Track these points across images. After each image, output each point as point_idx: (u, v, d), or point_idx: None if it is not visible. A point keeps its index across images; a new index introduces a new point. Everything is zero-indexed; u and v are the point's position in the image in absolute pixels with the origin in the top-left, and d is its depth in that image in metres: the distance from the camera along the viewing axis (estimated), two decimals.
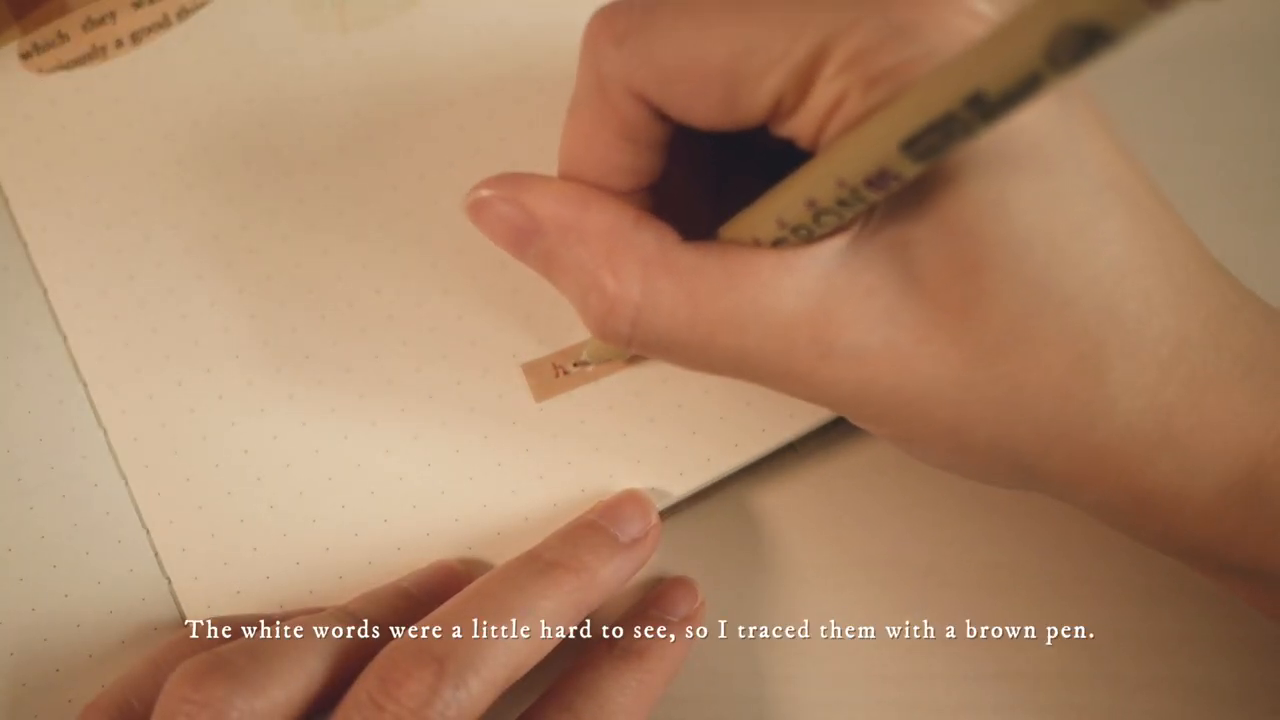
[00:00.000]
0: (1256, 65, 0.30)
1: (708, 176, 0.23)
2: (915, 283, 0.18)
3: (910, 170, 0.16)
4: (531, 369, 0.27)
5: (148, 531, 0.27)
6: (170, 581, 0.27)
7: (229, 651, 0.21)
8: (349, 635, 0.23)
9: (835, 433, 0.27)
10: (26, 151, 0.29)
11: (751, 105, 0.18)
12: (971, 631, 0.26)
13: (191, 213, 0.29)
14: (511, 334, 0.28)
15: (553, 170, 0.29)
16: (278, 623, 0.23)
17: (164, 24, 0.30)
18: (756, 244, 0.19)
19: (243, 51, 0.30)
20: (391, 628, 0.23)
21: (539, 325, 0.28)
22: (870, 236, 0.18)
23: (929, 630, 0.26)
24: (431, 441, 0.27)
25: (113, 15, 0.30)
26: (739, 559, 0.27)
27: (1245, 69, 0.30)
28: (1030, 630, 0.26)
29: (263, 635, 0.22)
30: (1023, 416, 0.19)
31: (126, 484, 0.27)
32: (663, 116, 0.19)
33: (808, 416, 0.27)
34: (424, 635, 0.21)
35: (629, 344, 0.20)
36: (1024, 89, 0.14)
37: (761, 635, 0.27)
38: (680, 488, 0.26)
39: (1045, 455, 0.19)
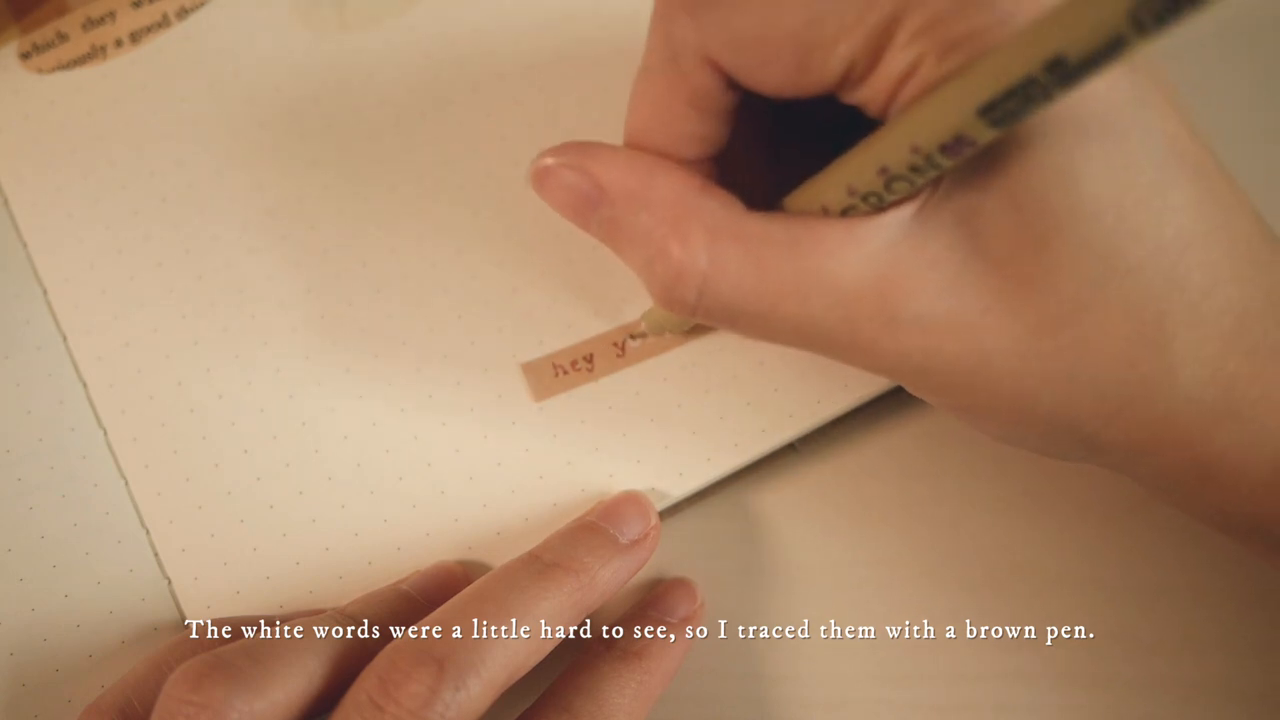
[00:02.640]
0: (1256, 64, 0.30)
1: (768, 150, 0.23)
2: (981, 252, 0.18)
3: (986, 136, 0.16)
4: (531, 369, 0.27)
5: (147, 531, 0.27)
6: (170, 582, 0.27)
7: (228, 653, 0.21)
8: (348, 636, 0.23)
9: (835, 433, 0.27)
10: (26, 151, 0.29)
11: (823, 72, 0.18)
12: (971, 631, 0.26)
13: (191, 213, 0.29)
14: (511, 334, 0.28)
15: None
16: (277, 624, 0.23)
17: (163, 24, 0.30)
18: (824, 212, 0.19)
19: (242, 51, 0.30)
20: (391, 629, 0.23)
21: (539, 325, 0.28)
22: (936, 207, 0.18)
23: (929, 630, 0.26)
24: (431, 441, 0.27)
25: (112, 15, 0.30)
26: (739, 559, 0.27)
27: (1244, 68, 0.30)
28: (1030, 630, 0.26)
29: (262, 636, 0.22)
30: (1086, 386, 0.19)
31: (126, 484, 0.27)
32: (732, 85, 0.19)
33: (807, 416, 0.27)
34: (424, 636, 0.21)
35: (694, 312, 0.20)
36: (1106, 52, 0.13)
37: (761, 635, 0.27)
38: (680, 488, 0.26)
39: (1107, 426, 0.19)
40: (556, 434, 0.27)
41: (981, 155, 0.17)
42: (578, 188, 0.20)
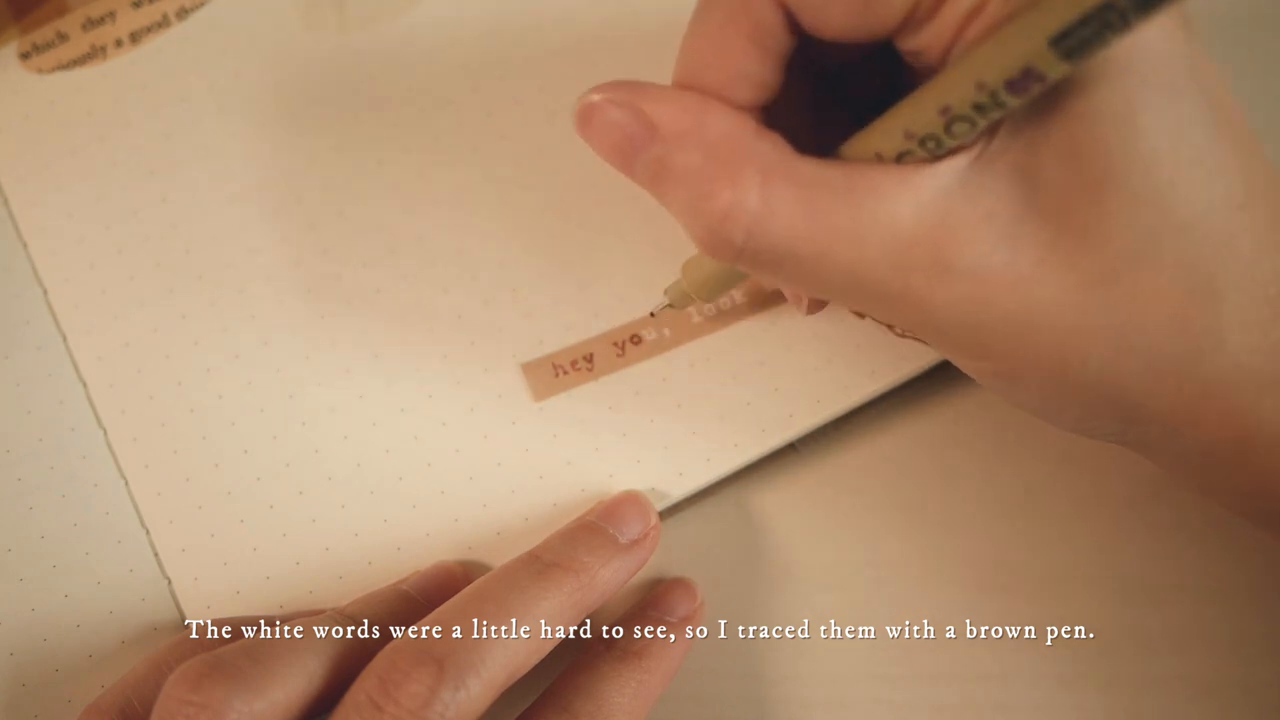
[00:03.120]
0: (1255, 64, 0.30)
1: (811, 113, 0.22)
2: (1036, 203, 0.18)
3: (1056, 71, 0.16)
4: (531, 369, 0.27)
5: (147, 531, 0.27)
6: (170, 582, 0.27)
7: (228, 653, 0.21)
8: (348, 636, 0.23)
9: (835, 433, 0.27)
10: (26, 151, 0.29)
11: (888, 10, 0.18)
12: (971, 631, 0.26)
13: (191, 213, 0.29)
14: (511, 334, 0.28)
15: (550, 165, 0.29)
16: (277, 624, 0.23)
17: (163, 24, 0.30)
18: (879, 159, 0.19)
19: (242, 51, 0.30)
20: (391, 629, 0.23)
21: (539, 325, 0.28)
22: (991, 158, 0.18)
23: (929, 630, 0.26)
24: (431, 441, 0.27)
25: (112, 15, 0.30)
26: (739, 559, 0.27)
27: (1244, 67, 0.30)
28: (1030, 630, 0.26)
29: (262, 636, 0.22)
30: (1134, 346, 0.19)
31: (126, 484, 0.27)
32: (792, 26, 0.19)
33: (807, 416, 0.27)
34: (423, 636, 0.21)
35: (740, 256, 0.19)
36: None
37: (761, 635, 0.27)
38: (680, 488, 0.26)
39: (1152, 392, 0.19)
40: (556, 434, 0.27)
41: (1039, 102, 0.17)
42: (625, 126, 0.20)
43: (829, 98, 0.22)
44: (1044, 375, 0.19)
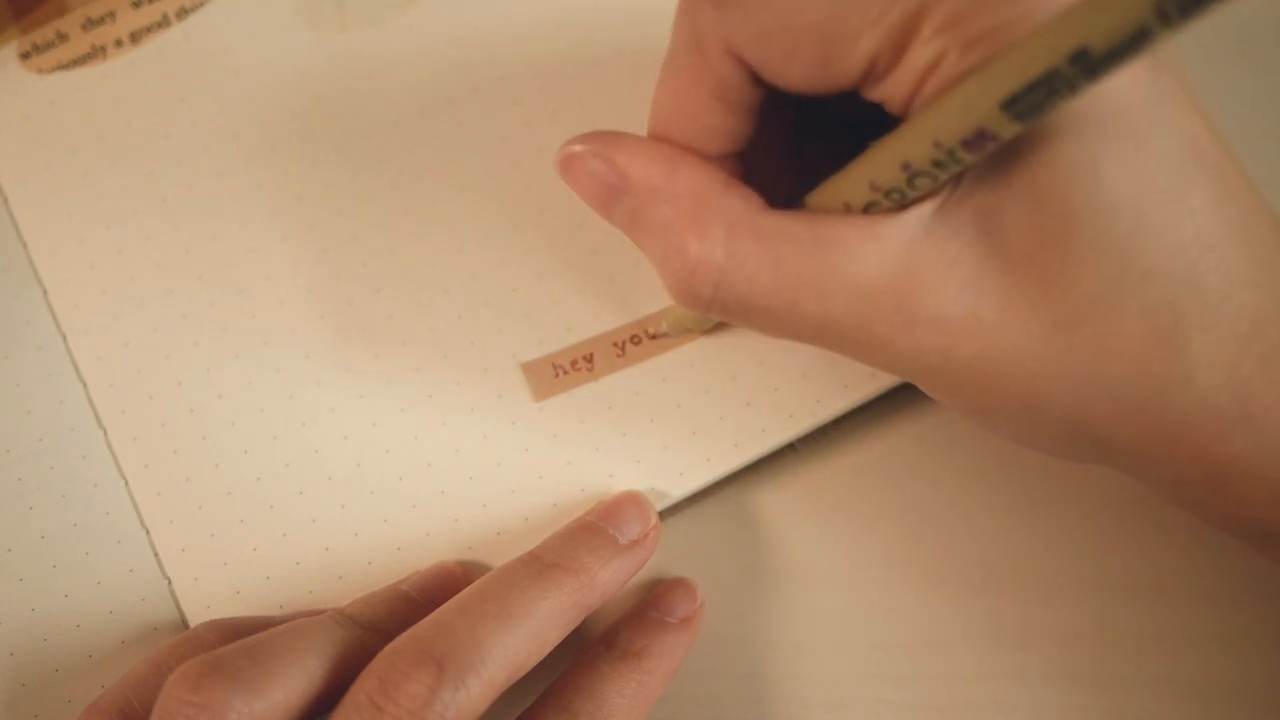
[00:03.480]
0: (1256, 64, 0.30)
1: (791, 148, 0.23)
2: (999, 250, 0.18)
3: (1008, 131, 0.16)
4: (531, 369, 0.27)
5: (147, 531, 0.27)
6: (170, 582, 0.27)
7: (228, 653, 0.21)
8: (348, 637, 0.23)
9: (835, 433, 0.27)
10: (26, 151, 0.29)
11: (846, 67, 0.18)
12: (971, 631, 0.26)
13: (191, 213, 0.29)
14: (511, 334, 0.28)
15: (550, 165, 0.29)
16: (277, 624, 0.23)
17: (163, 24, 0.30)
18: (847, 209, 0.19)
19: (242, 51, 0.30)
20: (391, 629, 0.23)
21: (539, 325, 0.28)
22: (956, 205, 0.18)
23: (929, 630, 0.26)
24: (431, 441, 0.27)
25: (112, 15, 0.30)
26: (739, 559, 0.27)
27: (1243, 67, 0.30)
28: (1030, 630, 0.26)
29: (262, 637, 0.22)
30: (1099, 388, 0.19)
31: (126, 484, 0.27)
32: (756, 80, 0.19)
33: (807, 417, 0.27)
34: (423, 636, 0.21)
35: (709, 307, 0.20)
36: (1131, 44, 0.13)
37: (761, 635, 0.27)
38: (680, 488, 0.26)
39: (1120, 429, 0.19)
40: (556, 434, 0.27)
41: (1002, 152, 0.17)
42: (602, 177, 0.20)
43: (810, 131, 0.22)
44: (1014, 412, 0.20)
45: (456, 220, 0.28)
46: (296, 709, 0.21)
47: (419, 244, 0.28)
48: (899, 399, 0.27)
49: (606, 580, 0.24)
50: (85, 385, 0.28)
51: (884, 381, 0.27)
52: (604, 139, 0.21)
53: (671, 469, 0.27)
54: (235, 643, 0.22)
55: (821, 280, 0.19)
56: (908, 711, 0.26)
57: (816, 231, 0.19)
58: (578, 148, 0.21)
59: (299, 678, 0.21)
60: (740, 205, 0.19)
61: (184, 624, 0.26)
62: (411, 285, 0.28)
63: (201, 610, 0.26)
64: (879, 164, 0.18)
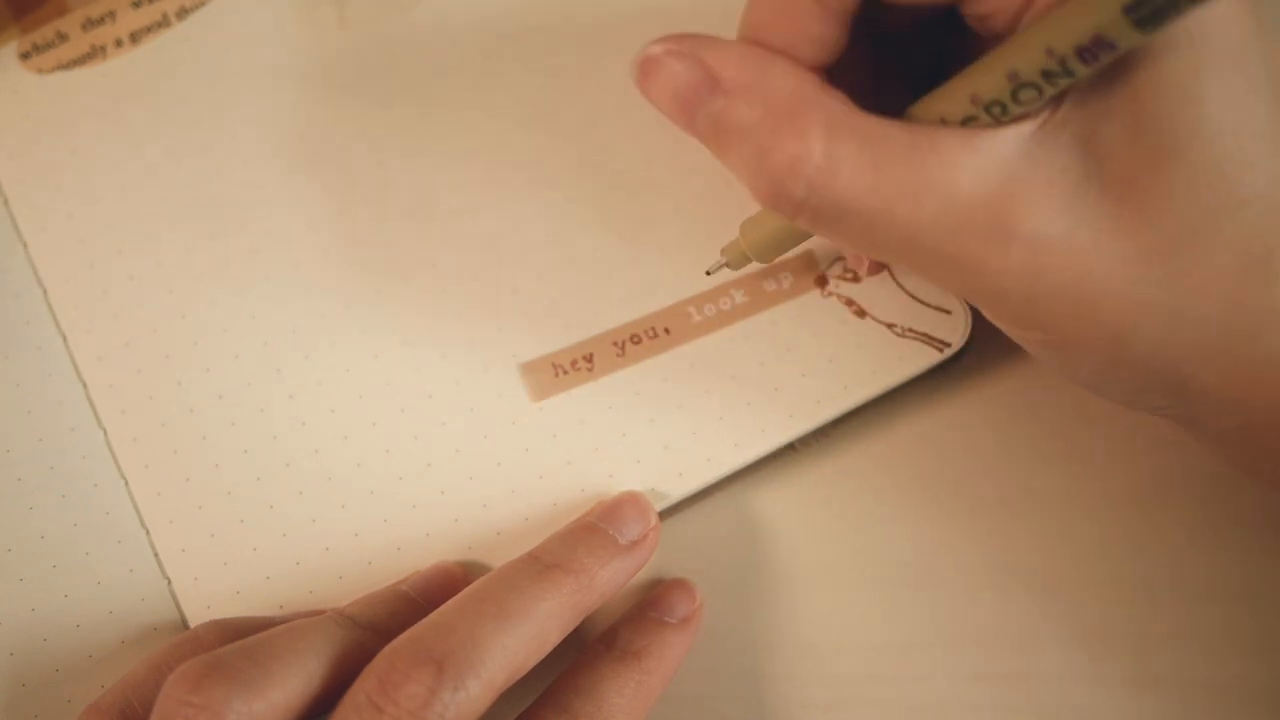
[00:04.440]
0: None
1: (873, 79, 0.22)
2: (1098, 175, 0.18)
3: (1127, 40, 0.16)
4: (530, 369, 0.27)
5: (147, 532, 0.27)
6: (170, 582, 0.27)
7: (228, 653, 0.21)
8: (348, 637, 0.23)
9: (835, 433, 0.27)
10: (26, 151, 0.29)
11: None
12: (971, 631, 0.26)
13: (191, 213, 0.29)
14: (511, 334, 0.28)
15: (549, 165, 0.29)
16: (277, 624, 0.23)
17: (163, 24, 0.30)
18: (944, 123, 0.19)
19: (242, 51, 0.30)
20: (390, 629, 0.23)
21: (539, 325, 0.28)
22: (1055, 127, 0.18)
23: (929, 630, 0.26)
24: (431, 441, 0.27)
25: (112, 15, 0.30)
26: (739, 559, 0.27)
27: None
28: (1031, 630, 0.26)
29: (262, 637, 0.22)
30: (1189, 321, 0.18)
31: (126, 484, 0.27)
32: None
33: (807, 417, 0.27)
34: (423, 637, 0.21)
35: (800, 210, 0.19)
36: None
37: (761, 635, 0.27)
38: (680, 488, 0.26)
39: (1204, 366, 0.19)
40: (556, 434, 0.27)
41: (1105, 75, 0.17)
42: (687, 78, 0.19)
43: (888, 66, 0.22)
44: (1096, 347, 0.19)
45: (456, 221, 0.28)
46: (296, 709, 0.21)
47: (419, 245, 0.28)
48: (899, 399, 0.27)
49: (606, 581, 0.24)
50: (85, 385, 0.28)
51: (884, 381, 0.27)
52: (691, 39, 0.20)
53: (671, 469, 0.27)
54: (235, 643, 0.22)
55: (918, 187, 0.18)
56: (908, 711, 0.26)
57: (915, 138, 0.18)
58: (658, 49, 0.20)
59: (298, 678, 0.21)
60: (839, 107, 0.19)
61: (184, 624, 0.26)
62: (411, 286, 0.28)
63: (201, 610, 0.26)
64: (984, 75, 0.18)
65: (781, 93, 0.19)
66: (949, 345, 0.27)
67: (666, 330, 0.27)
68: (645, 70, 0.20)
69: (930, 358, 0.27)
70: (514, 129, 0.29)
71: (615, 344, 0.27)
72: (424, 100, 0.29)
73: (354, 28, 0.30)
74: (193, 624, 0.26)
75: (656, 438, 0.27)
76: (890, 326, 0.27)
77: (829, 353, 0.27)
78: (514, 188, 0.29)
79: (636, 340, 0.27)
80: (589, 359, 0.27)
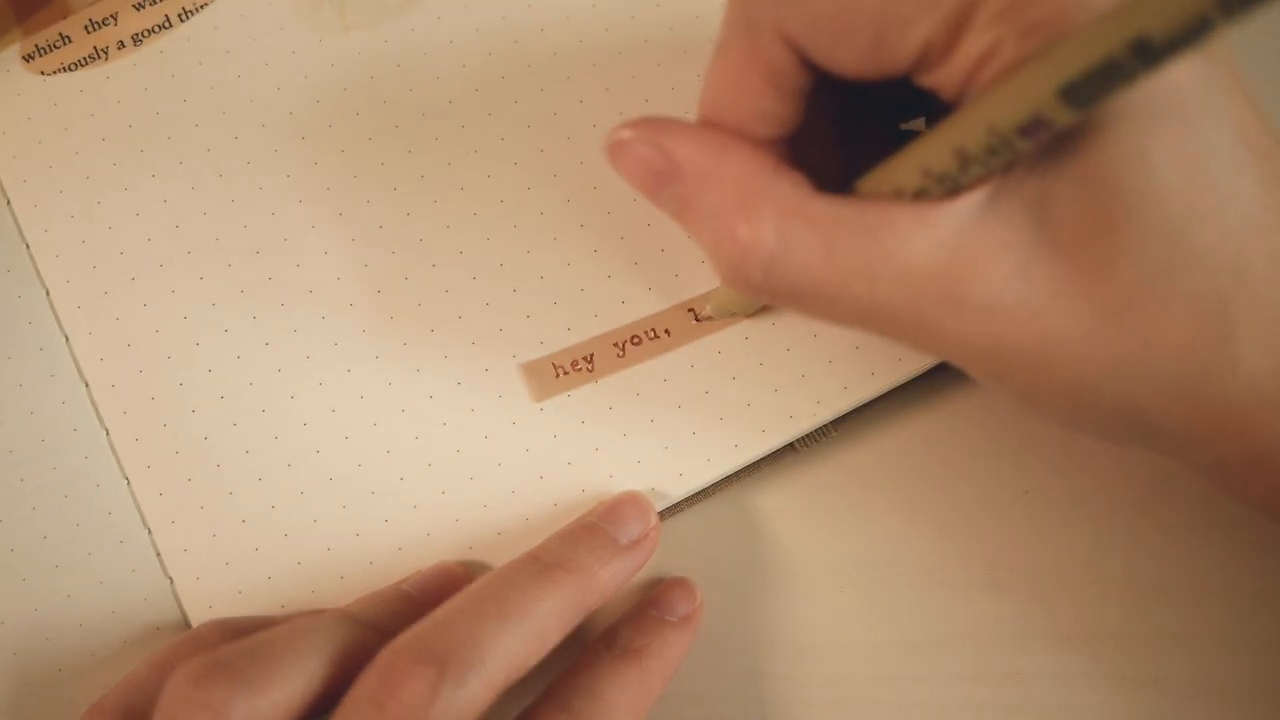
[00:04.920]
0: (1258, 66, 0.30)
1: (839, 134, 0.23)
2: (1050, 238, 0.18)
3: (1064, 118, 0.16)
4: (531, 369, 0.27)
5: (150, 532, 0.27)
6: (172, 582, 0.27)
7: (230, 652, 0.21)
8: (349, 636, 0.23)
9: (835, 433, 0.27)
10: (29, 153, 0.29)
11: (899, 53, 0.18)
12: (971, 631, 0.26)
13: (194, 214, 0.29)
14: (511, 334, 0.28)
15: (549, 165, 0.29)
16: (279, 624, 0.23)
17: (165, 25, 0.30)
18: (897, 194, 0.19)
19: (244, 52, 0.30)
20: (392, 628, 0.23)
21: (539, 325, 0.28)
22: (1008, 192, 0.18)
23: (929, 630, 0.26)
24: (432, 442, 0.27)
25: (114, 17, 0.30)
26: (739, 559, 0.27)
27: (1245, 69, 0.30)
28: (1030, 630, 0.26)
29: (264, 636, 0.22)
30: (1147, 374, 0.19)
31: (129, 484, 0.27)
32: (807, 65, 0.19)
33: (807, 417, 0.27)
34: (424, 635, 0.21)
35: (759, 291, 0.20)
36: (1191, 35, 0.13)
37: (761, 635, 0.27)
38: (680, 488, 0.26)
39: (1166, 413, 0.19)
40: (557, 434, 0.27)
41: (1055, 140, 0.17)
42: (651, 162, 0.20)
43: (849, 129, 0.23)
44: (1061, 397, 0.20)
45: (457, 221, 0.29)
46: (298, 708, 0.21)
47: (420, 244, 0.28)
48: (899, 399, 0.28)
49: (606, 580, 0.24)
50: (88, 386, 0.28)
51: (884, 381, 0.27)
52: (652, 125, 0.20)
53: (671, 469, 0.27)
54: (237, 642, 0.22)
55: (872, 265, 0.19)
56: (908, 711, 0.26)
57: (867, 216, 0.19)
58: (626, 134, 0.21)
59: (300, 677, 0.21)
60: (791, 189, 0.19)
61: (186, 624, 0.26)
62: (412, 286, 0.28)
63: (203, 610, 0.26)
64: (933, 150, 0.18)
65: (736, 179, 0.20)
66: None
67: (667, 331, 0.27)
68: (614, 153, 0.21)
69: (930, 358, 0.27)
70: (515, 129, 0.29)
71: (615, 344, 0.27)
72: (425, 101, 0.29)
73: (356, 29, 0.30)
74: (195, 623, 0.26)
75: (657, 438, 0.27)
76: None
77: (829, 353, 0.27)
78: (514, 188, 0.29)
79: (637, 341, 0.27)
80: (589, 359, 0.27)
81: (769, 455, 0.27)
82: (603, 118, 0.29)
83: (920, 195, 0.19)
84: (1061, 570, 0.27)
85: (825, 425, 0.27)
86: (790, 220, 0.19)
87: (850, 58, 0.18)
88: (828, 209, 0.19)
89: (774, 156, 0.20)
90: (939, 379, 0.28)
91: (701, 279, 0.28)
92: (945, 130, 0.18)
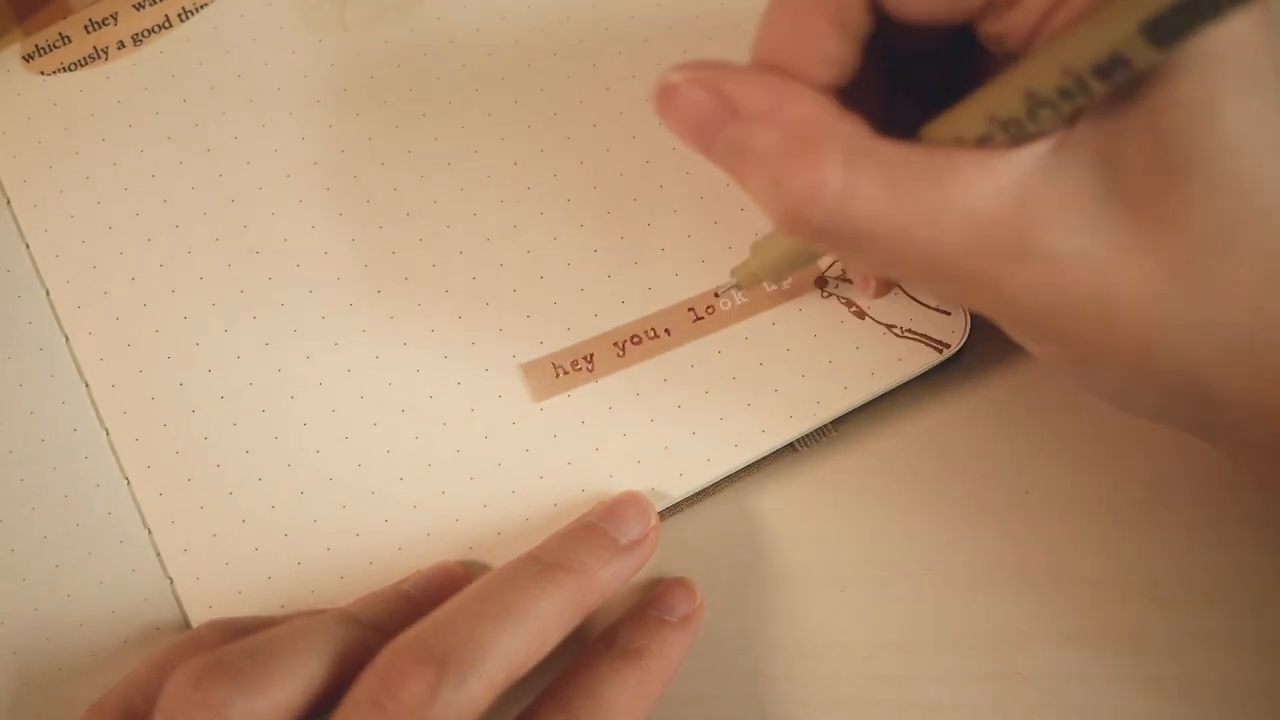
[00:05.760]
0: None
1: (886, 90, 0.22)
2: (1116, 190, 0.18)
3: (1144, 58, 0.16)
4: (531, 369, 0.27)
5: (150, 532, 0.27)
6: (172, 582, 0.27)
7: (230, 652, 0.21)
8: (349, 636, 0.23)
9: (835, 433, 0.27)
10: (29, 153, 0.29)
11: None
12: (971, 631, 0.26)
13: (194, 214, 0.29)
14: (511, 334, 0.28)
15: (549, 165, 0.29)
16: (279, 624, 0.23)
17: (165, 25, 0.30)
18: (960, 142, 0.19)
19: (244, 52, 0.30)
20: (392, 629, 0.23)
21: (539, 325, 0.28)
22: (1074, 144, 0.18)
23: (929, 630, 0.26)
24: (432, 442, 0.27)
25: (114, 17, 0.30)
26: (739, 559, 0.27)
27: None
28: (1030, 630, 0.26)
29: (263, 636, 0.22)
30: (1212, 333, 0.18)
31: (129, 484, 0.27)
32: (872, 9, 0.19)
33: (807, 417, 0.27)
34: (424, 635, 0.21)
35: (818, 234, 0.19)
36: None
37: (762, 635, 0.27)
38: (680, 488, 0.26)
39: (1229, 377, 0.19)
40: (557, 434, 0.27)
41: (1122, 91, 0.17)
42: (706, 106, 0.20)
43: (903, 83, 0.22)
44: (1119, 361, 0.19)
45: (457, 221, 0.29)
46: (298, 708, 0.21)
47: (420, 245, 0.28)
48: (899, 399, 0.28)
49: (606, 580, 0.24)
50: (88, 386, 0.28)
51: (884, 381, 0.27)
52: (709, 67, 0.20)
53: (671, 469, 0.27)
54: (237, 642, 0.22)
55: (936, 210, 0.18)
56: (908, 711, 0.26)
57: (932, 161, 0.18)
58: (678, 77, 0.20)
59: (300, 677, 0.21)
60: (855, 132, 0.19)
61: (186, 624, 0.26)
62: (412, 286, 0.28)
63: (203, 610, 0.26)
64: (1000, 94, 0.18)
65: (798, 119, 0.19)
66: (948, 346, 0.27)
67: (667, 331, 0.27)
68: (665, 98, 0.20)
69: (929, 358, 0.27)
70: (515, 129, 0.29)
71: (615, 344, 0.27)
72: (425, 101, 0.29)
73: (355, 29, 0.30)
74: (195, 623, 0.26)
75: (657, 438, 0.27)
76: (890, 327, 0.27)
77: (829, 353, 0.27)
78: (514, 188, 0.29)
79: (637, 341, 0.27)
80: (589, 359, 0.27)
81: (769, 455, 0.27)
82: (602, 117, 0.29)
83: (984, 142, 0.18)
84: (1061, 570, 0.27)
85: (825, 425, 0.27)
86: (856, 161, 0.18)
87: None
88: (893, 151, 0.19)
89: (834, 100, 0.19)
90: (939, 379, 0.28)
91: (702, 279, 0.28)
92: (1017, 73, 0.17)
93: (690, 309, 0.28)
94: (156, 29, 0.30)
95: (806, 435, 0.27)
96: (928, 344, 0.27)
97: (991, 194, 0.18)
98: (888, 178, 0.18)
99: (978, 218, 0.18)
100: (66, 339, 0.28)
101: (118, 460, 0.27)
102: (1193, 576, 0.26)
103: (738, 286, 0.26)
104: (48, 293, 0.29)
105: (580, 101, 0.29)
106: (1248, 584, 0.26)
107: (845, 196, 0.18)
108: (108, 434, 0.28)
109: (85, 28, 0.30)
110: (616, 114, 0.29)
